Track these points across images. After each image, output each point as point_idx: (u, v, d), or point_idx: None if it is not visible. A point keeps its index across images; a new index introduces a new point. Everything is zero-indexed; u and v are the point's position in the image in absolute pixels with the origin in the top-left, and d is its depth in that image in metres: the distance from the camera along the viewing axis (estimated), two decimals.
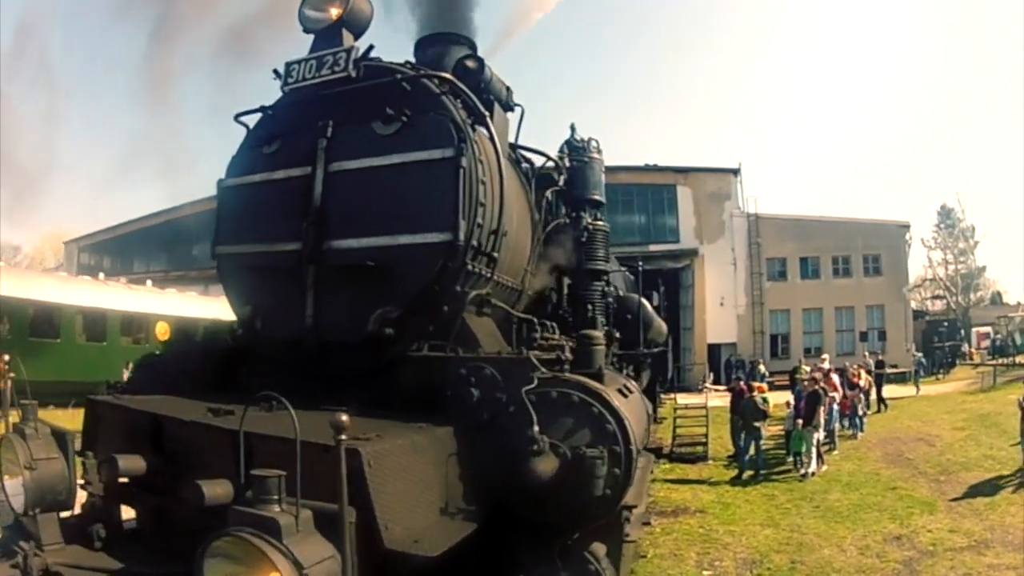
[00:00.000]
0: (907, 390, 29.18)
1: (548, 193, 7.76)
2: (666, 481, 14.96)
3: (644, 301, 11.57)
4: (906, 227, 41.67)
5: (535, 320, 5.66)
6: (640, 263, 12.94)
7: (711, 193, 41.69)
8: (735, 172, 42.38)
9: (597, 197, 8.79)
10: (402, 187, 5.44)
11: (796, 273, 41.28)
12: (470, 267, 5.41)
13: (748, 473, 15.31)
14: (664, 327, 19.24)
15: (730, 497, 13.44)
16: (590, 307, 8.20)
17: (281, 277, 5.92)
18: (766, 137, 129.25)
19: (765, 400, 16.31)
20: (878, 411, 23.86)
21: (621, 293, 12.53)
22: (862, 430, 20.20)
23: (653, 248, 39.87)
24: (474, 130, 5.60)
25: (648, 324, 11.54)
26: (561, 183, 8.29)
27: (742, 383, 18.35)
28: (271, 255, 6.06)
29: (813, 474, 14.88)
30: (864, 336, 40.04)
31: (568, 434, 4.37)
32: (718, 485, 14.61)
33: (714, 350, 40.49)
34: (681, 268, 41.40)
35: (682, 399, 24.81)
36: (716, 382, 31.48)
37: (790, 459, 16.22)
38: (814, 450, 15.25)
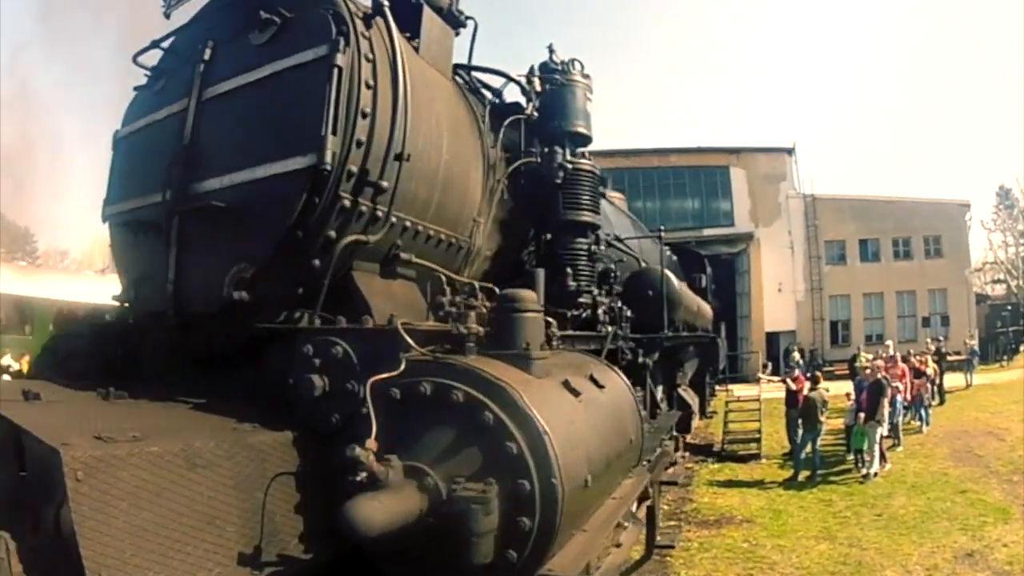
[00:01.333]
0: (958, 380, 26.12)
1: (509, 123, 6.16)
2: (712, 484, 13.36)
3: (670, 275, 9.82)
4: (966, 207, 38.74)
5: (443, 276, 4.18)
6: (661, 228, 10.98)
7: (765, 174, 39.18)
8: (790, 151, 39.92)
9: (581, 130, 6.91)
10: (272, 105, 4.10)
11: (855, 256, 38.57)
12: (347, 201, 3.99)
13: (804, 474, 13.54)
14: (709, 311, 17.40)
15: (782, 503, 11.73)
16: (569, 271, 6.46)
17: (151, 235, 4.66)
18: (818, 114, 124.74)
19: (828, 390, 14.52)
20: (940, 403, 21.84)
21: (644, 264, 10.92)
22: (928, 423, 18.12)
23: (707, 233, 37.86)
24: (369, 25, 4.15)
25: (674, 303, 9.84)
26: (530, 111, 6.54)
27: (798, 373, 16.44)
28: (143, 210, 4.79)
29: (875, 475, 13.04)
30: (927, 321, 37.20)
31: (444, 455, 2.90)
32: (770, 488, 12.92)
33: (772, 339, 38.14)
34: (736, 253, 39.23)
35: (739, 391, 22.96)
36: (775, 372, 29.49)
37: (850, 457, 14.45)
38: (877, 447, 13.40)
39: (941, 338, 28.32)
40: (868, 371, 15.21)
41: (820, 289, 38.13)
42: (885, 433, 14.34)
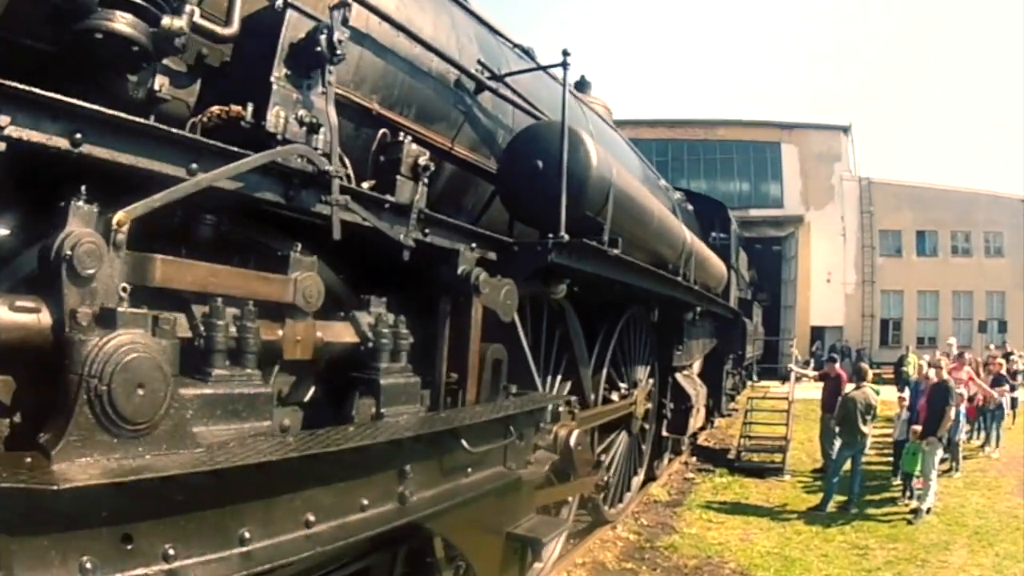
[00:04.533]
0: None
1: None
2: (710, 507, 10.23)
3: (583, 135, 5.40)
4: None
5: None
6: (566, 54, 5.36)
7: (819, 153, 36.35)
8: (845, 130, 37.09)
9: None
10: None
11: (912, 249, 35.67)
12: None
13: (837, 501, 10.39)
14: (722, 268, 13.48)
15: (799, 545, 8.63)
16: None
17: None
18: (877, 93, 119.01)
19: (878, 392, 11.35)
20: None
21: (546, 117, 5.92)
22: (998, 445, 14.88)
23: (754, 213, 35.20)
24: None
25: (592, 185, 5.27)
26: None
27: (838, 367, 13.22)
28: None
29: (928, 511, 9.91)
30: (983, 326, 34.05)
31: None
32: (787, 519, 9.77)
33: (818, 334, 35.46)
34: (784, 237, 36.78)
35: (775, 388, 19.95)
36: (819, 367, 26.22)
37: (896, 481, 11.41)
38: (934, 474, 10.33)
39: (1004, 345, 24.86)
40: (932, 369, 11.80)
41: (872, 282, 35.35)
42: (942, 454, 11.26)
